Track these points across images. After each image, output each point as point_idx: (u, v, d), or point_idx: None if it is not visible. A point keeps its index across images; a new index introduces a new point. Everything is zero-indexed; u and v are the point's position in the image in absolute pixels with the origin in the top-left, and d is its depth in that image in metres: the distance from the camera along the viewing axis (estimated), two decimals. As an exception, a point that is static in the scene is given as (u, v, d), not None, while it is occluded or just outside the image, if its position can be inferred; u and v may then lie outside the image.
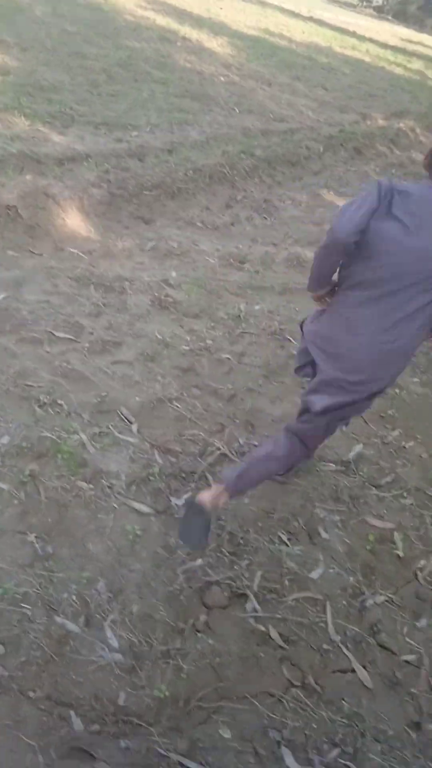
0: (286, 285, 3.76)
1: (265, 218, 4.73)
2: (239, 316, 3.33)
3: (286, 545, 2.12)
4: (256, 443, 2.51)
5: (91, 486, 2.14)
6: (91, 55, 7.56)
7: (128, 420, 2.47)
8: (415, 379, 3.21)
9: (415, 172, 6.86)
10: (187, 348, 2.97)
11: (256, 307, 3.46)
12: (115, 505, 2.10)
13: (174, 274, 3.56)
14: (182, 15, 12.40)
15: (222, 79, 8.54)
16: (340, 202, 5.41)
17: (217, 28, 12.08)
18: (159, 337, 2.98)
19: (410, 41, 20.83)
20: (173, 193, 4.56)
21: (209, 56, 9.62)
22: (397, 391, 3.07)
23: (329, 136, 7.03)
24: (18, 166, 4.04)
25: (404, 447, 2.72)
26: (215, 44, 10.60)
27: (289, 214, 4.92)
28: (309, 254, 4.26)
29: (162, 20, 11.19)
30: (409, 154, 7.51)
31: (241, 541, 2.09)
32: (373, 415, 2.89)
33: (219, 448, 2.44)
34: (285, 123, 7.20)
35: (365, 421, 2.83)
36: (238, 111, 7.24)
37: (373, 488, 2.46)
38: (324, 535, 2.21)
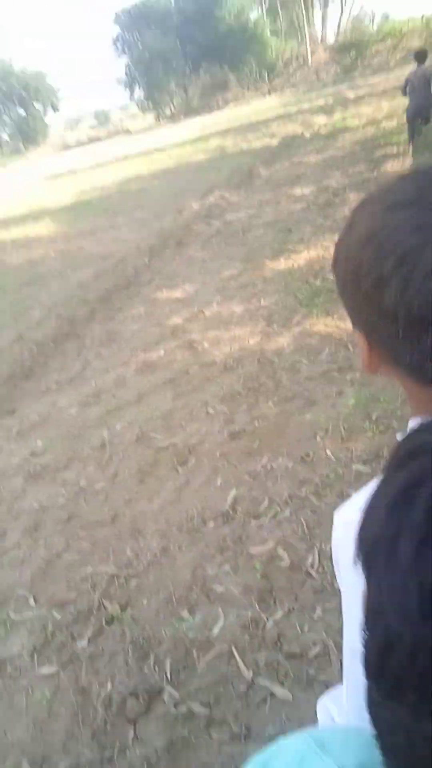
0: (140, 392, 4.03)
1: (112, 346, 5.10)
2: (104, 443, 3.55)
3: (186, 620, 2.21)
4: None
5: (-2, 678, 2.23)
6: None
7: (23, 596, 2.59)
8: (269, 403, 3.41)
9: (233, 232, 7.48)
10: (63, 500, 3.15)
11: (118, 427, 3.69)
12: (24, 683, 2.19)
13: (39, 443, 3.81)
14: (5, 222, 13.67)
15: (52, 254, 9.35)
16: (175, 294, 5.87)
17: (39, 215, 13.32)
18: (36, 506, 3.16)
19: (204, 126, 23.12)
20: (26, 375, 4.93)
21: (37, 242, 10.55)
22: (256, 423, 3.26)
23: (151, 245, 7.68)
24: None
25: (272, 468, 2.87)
26: (41, 229, 11.66)
27: (131, 330, 5.30)
28: (155, 355, 4.58)
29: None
30: (224, 219, 8.19)
31: (144, 642, 2.17)
32: (241, 454, 3.06)
33: (107, 572, 2.56)
34: (113, 258, 7.86)
35: (235, 465, 2.99)
36: (71, 272, 7.90)
37: (253, 520, 2.58)
38: (219, 588, 2.30)
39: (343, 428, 3.01)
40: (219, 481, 2.94)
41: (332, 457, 2.82)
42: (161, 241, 7.81)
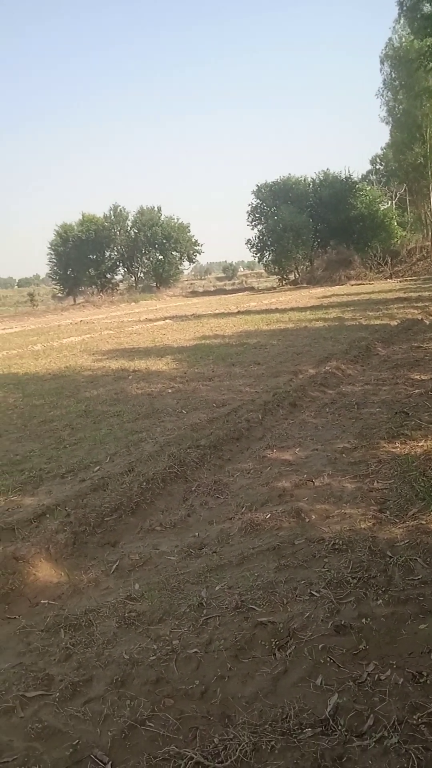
0: (243, 554, 3.99)
1: (218, 497, 5.16)
2: (201, 603, 3.48)
3: None
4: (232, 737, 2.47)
5: None
6: (56, 418, 8.84)
7: (101, 761, 2.46)
8: (379, 601, 3.24)
9: (347, 404, 7.63)
10: (154, 657, 3.06)
11: (217, 588, 3.63)
12: None
13: (137, 586, 3.80)
14: (132, 352, 14.79)
15: (170, 391, 9.90)
16: (285, 456, 5.96)
17: (161, 352, 14.34)
18: (126, 657, 3.09)
19: (324, 296, 24.63)
20: (132, 509, 5.05)
21: (157, 377, 11.25)
22: (363, 621, 3.09)
23: (266, 402, 7.96)
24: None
25: (379, 679, 2.66)
26: (161, 365, 12.48)
27: (239, 485, 5.37)
28: (261, 516, 4.57)
29: (115, 364, 13.30)
30: (339, 390, 8.41)
31: None
32: (346, 653, 2.88)
33: (192, 757, 2.39)
34: (227, 406, 8.19)
35: (338, 665, 2.81)
36: (185, 412, 8.28)
37: (356, 739, 2.36)
38: None
39: (463, 652, 2.78)
40: (319, 680, 2.76)
41: (450, 684, 2.58)
42: (276, 400, 8.08)
